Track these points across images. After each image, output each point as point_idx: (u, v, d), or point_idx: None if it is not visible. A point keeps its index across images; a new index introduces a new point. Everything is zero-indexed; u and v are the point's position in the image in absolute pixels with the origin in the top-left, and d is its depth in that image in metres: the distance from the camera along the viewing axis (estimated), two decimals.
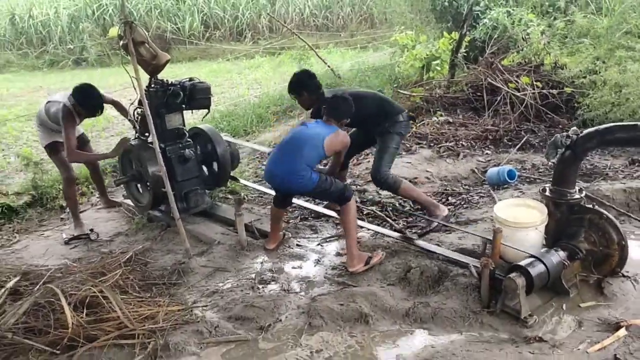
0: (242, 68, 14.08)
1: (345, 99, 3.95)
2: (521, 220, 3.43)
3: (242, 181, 5.45)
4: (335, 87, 6.45)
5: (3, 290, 3.44)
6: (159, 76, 4.50)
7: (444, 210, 4.37)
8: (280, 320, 3.28)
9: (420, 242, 3.91)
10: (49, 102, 4.76)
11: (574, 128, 3.45)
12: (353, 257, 3.73)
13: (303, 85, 4.26)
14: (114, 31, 4.06)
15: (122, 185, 5.01)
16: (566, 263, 3.25)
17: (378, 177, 4.31)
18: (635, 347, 2.73)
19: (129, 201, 5.10)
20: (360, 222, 4.39)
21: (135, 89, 3.94)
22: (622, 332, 2.84)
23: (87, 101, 4.60)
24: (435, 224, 4.24)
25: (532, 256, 3.21)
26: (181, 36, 17.31)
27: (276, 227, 4.19)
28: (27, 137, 8.13)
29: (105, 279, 3.58)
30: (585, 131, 3.34)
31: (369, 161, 5.86)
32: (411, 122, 4.83)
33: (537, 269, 3.11)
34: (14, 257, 4.36)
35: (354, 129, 4.65)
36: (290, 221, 4.71)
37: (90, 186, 5.80)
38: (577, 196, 3.44)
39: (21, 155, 6.03)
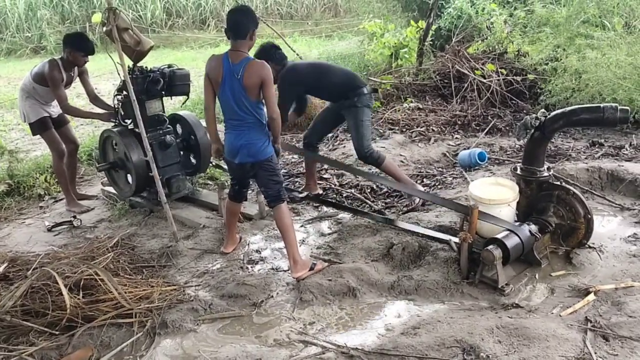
0: (207, 57, 13.92)
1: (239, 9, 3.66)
2: (495, 197, 3.65)
3: (224, 165, 5.52)
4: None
5: None
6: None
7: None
8: (272, 297, 3.43)
9: (402, 224, 4.10)
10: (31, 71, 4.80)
11: (542, 110, 3.68)
12: (297, 263, 3.59)
13: (268, 55, 4.18)
14: (97, 17, 4.08)
15: (103, 172, 5.03)
16: (537, 236, 3.49)
17: (363, 153, 4.43)
18: (604, 309, 2.98)
19: (109, 188, 5.12)
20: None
21: (119, 75, 3.98)
22: (591, 297, 3.09)
23: (82, 42, 4.65)
24: (418, 200, 4.45)
25: (507, 229, 3.44)
26: (143, 24, 17.04)
27: (232, 226, 4.06)
28: None
29: (97, 263, 3.63)
30: (553, 113, 3.57)
31: (344, 146, 6.05)
32: (374, 94, 4.97)
33: (512, 241, 3.34)
34: None
35: (321, 111, 4.81)
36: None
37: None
38: (546, 174, 3.68)
39: None
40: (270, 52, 4.26)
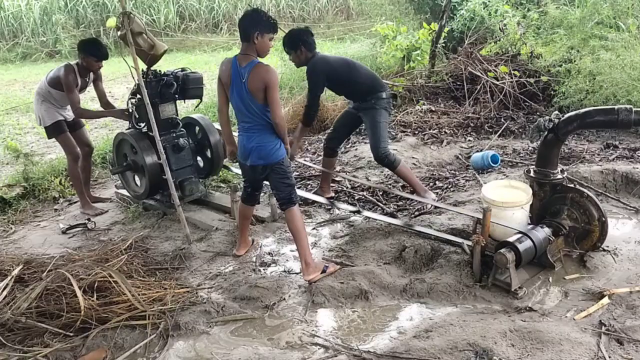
0: (220, 60, 14.01)
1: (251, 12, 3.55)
2: (508, 200, 3.63)
3: (234, 169, 5.55)
4: None
5: (9, 277, 3.51)
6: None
7: (432, 197, 4.57)
8: (284, 299, 3.44)
9: (416, 227, 4.08)
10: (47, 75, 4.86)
11: (556, 112, 3.66)
12: (309, 266, 3.58)
13: (302, 41, 4.24)
14: (112, 21, 4.12)
15: (117, 175, 5.08)
16: (551, 239, 3.47)
17: (379, 154, 4.41)
18: (618, 313, 2.96)
19: (123, 191, 5.16)
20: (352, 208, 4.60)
21: (134, 78, 4.02)
22: (605, 300, 3.07)
23: (95, 48, 4.70)
24: (429, 204, 4.43)
25: (519, 232, 3.41)
26: (156, 28, 17.15)
27: (244, 229, 4.07)
28: (9, 131, 8.07)
29: (110, 265, 3.67)
30: (566, 115, 3.55)
31: (356, 149, 6.05)
32: (393, 99, 4.99)
33: (524, 244, 3.32)
34: (13, 247, 4.41)
35: (340, 115, 4.83)
36: None
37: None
38: (559, 176, 3.66)
39: (9, 147, 6.02)
40: (303, 37, 4.24)
